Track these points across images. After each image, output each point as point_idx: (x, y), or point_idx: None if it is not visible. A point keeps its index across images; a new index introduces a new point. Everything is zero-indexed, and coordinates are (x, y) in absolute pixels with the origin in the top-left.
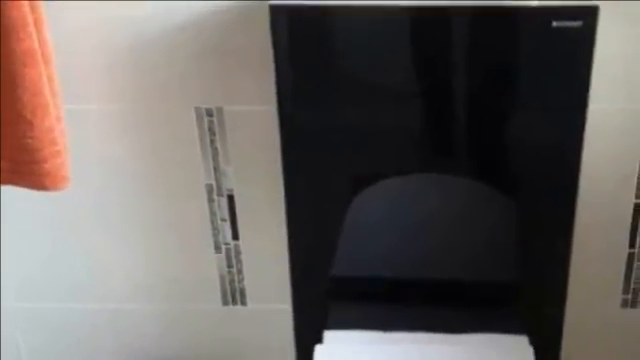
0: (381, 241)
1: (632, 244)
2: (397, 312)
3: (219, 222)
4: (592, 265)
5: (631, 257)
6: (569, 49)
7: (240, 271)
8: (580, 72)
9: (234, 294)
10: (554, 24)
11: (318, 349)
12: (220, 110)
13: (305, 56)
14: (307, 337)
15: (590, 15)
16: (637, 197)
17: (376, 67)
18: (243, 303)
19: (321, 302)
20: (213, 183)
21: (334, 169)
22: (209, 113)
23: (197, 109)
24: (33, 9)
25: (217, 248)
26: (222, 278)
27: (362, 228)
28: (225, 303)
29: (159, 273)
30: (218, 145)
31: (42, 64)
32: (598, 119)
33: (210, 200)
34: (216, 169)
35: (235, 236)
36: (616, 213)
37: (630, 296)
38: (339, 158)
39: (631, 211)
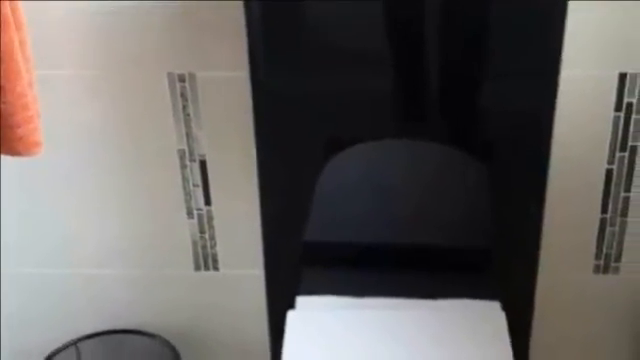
0: (354, 206)
1: (604, 210)
2: (370, 278)
3: (191, 188)
4: (564, 231)
5: (603, 223)
6: (541, 15)
7: (212, 237)
8: (552, 38)
9: (206, 260)
10: None
11: (290, 315)
12: (193, 76)
13: (277, 22)
14: (279, 303)
15: None
16: (609, 163)
17: (348, 33)
18: (215, 268)
19: (293, 267)
20: (185, 149)
21: (306, 134)
22: (181, 79)
23: (169, 75)
24: None
25: (189, 214)
26: (194, 244)
27: (335, 194)
28: (197, 268)
29: (132, 239)
30: (190, 111)
31: (14, 29)
32: (570, 85)
33: (182, 166)
34: (188, 135)
35: (207, 202)
36: (588, 179)
37: (602, 262)
38: (311, 123)
39: (603, 177)
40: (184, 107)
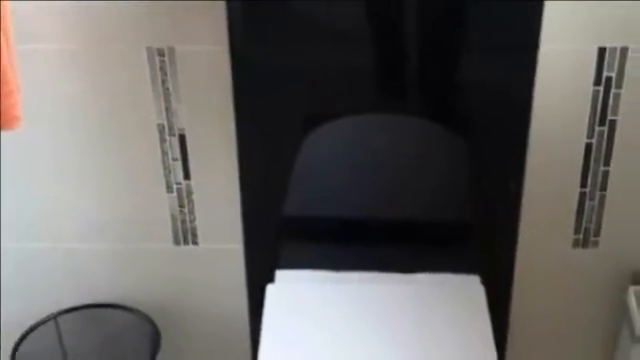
0: (333, 181)
1: (583, 184)
2: (349, 252)
3: (171, 162)
4: (543, 205)
5: (582, 197)
6: None
7: (191, 211)
8: (532, 12)
9: (185, 234)
10: None
11: (270, 288)
12: (172, 50)
13: None
14: (259, 277)
15: None
16: (588, 137)
17: (328, 8)
18: (194, 243)
19: (273, 242)
20: (165, 123)
21: (286, 109)
22: (161, 53)
23: (149, 49)
24: None
25: (169, 188)
26: (173, 218)
27: (314, 168)
28: (176, 243)
29: (111, 213)
30: (170, 85)
31: None
32: (549, 59)
33: (162, 140)
34: (168, 109)
35: (187, 176)
36: (567, 153)
37: (581, 236)
38: (291, 98)
39: (582, 151)
40: (163, 81)
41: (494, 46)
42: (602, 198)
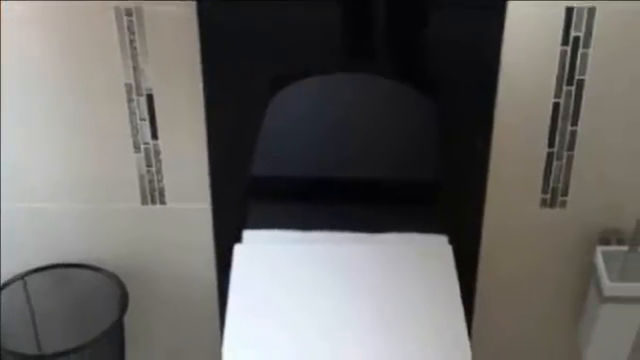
0: (301, 141)
1: (551, 144)
2: (317, 212)
3: (138, 122)
4: (511, 165)
5: (550, 157)
6: None
7: (159, 170)
8: None
9: (153, 193)
10: None
11: (237, 248)
12: (140, 10)
13: None
14: (226, 236)
15: None
16: (556, 97)
17: None
18: (162, 202)
19: (240, 202)
20: (132, 83)
21: (254, 68)
22: (128, 13)
23: (116, 9)
24: None
25: (136, 148)
26: (141, 177)
27: (282, 128)
28: (144, 202)
29: (79, 173)
30: (137, 45)
31: None
32: (517, 19)
33: (129, 100)
34: (135, 69)
35: (154, 135)
36: (535, 113)
37: (549, 196)
38: (259, 58)
39: (550, 111)
40: (131, 41)
41: (462, 5)
42: (570, 158)
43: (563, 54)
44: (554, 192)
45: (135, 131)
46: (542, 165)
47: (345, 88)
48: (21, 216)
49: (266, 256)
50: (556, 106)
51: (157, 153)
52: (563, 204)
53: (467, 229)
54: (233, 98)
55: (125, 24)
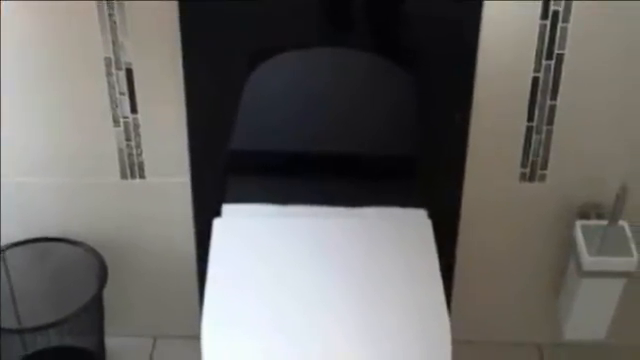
0: (280, 115)
1: (530, 118)
2: (296, 186)
3: (117, 96)
4: (491, 139)
5: (529, 131)
6: None
7: (139, 145)
8: None
9: (132, 168)
10: None
11: (216, 222)
12: None
13: None
14: (205, 210)
15: None
16: (535, 71)
17: None
18: (142, 177)
19: (220, 175)
20: (111, 57)
21: (233, 42)
22: None
23: None
24: None
25: (115, 122)
26: (121, 152)
27: (261, 102)
28: (123, 177)
29: (58, 147)
30: (117, 19)
31: None
32: None
33: (108, 74)
34: (114, 42)
35: (134, 109)
36: (514, 87)
37: (528, 170)
38: (238, 31)
39: (529, 85)
40: (110, 15)
41: None
42: (549, 132)
43: (542, 28)
44: (533, 166)
45: (114, 105)
46: (521, 139)
47: (324, 62)
48: (0, 190)
49: (245, 230)
50: (535, 80)
51: (136, 127)
52: (542, 178)
53: (446, 203)
54: (212, 72)
55: None
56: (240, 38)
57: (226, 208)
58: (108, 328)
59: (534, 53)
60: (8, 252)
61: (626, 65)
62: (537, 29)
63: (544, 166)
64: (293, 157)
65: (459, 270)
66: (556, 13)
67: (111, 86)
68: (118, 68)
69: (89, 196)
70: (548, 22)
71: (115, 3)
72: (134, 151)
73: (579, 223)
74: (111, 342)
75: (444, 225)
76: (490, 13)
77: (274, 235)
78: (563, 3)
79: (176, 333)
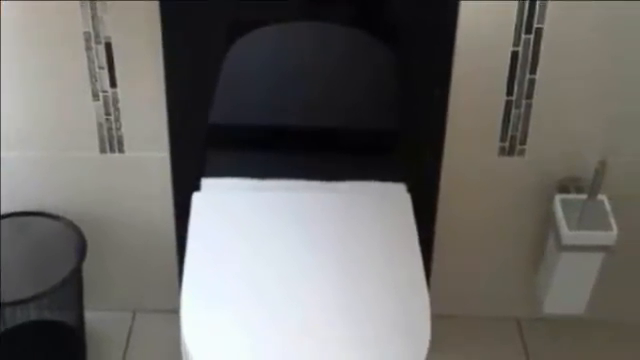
0: (260, 89)
1: (510, 92)
2: (275, 160)
3: (97, 70)
4: (470, 113)
5: (509, 105)
6: None
7: (118, 119)
8: None
9: (112, 142)
10: None
11: (196, 196)
12: None
13: None
14: (185, 185)
15: None
16: (514, 45)
17: None
18: (121, 151)
19: (199, 150)
20: (91, 31)
21: (212, 16)
22: None
23: None
24: None
25: (95, 96)
26: (100, 126)
27: (241, 76)
28: (103, 151)
29: (37, 121)
30: None
31: None
32: None
33: (88, 48)
34: (94, 17)
35: (113, 84)
36: (494, 61)
37: (507, 144)
38: (217, 6)
39: (508, 59)
40: None
41: None
42: (528, 106)
43: (521, 2)
44: (512, 140)
45: (94, 79)
46: (501, 113)
47: (303, 36)
48: None
49: (224, 204)
50: (515, 55)
51: (115, 101)
52: (521, 152)
53: (425, 177)
54: (191, 47)
55: None
56: (220, 12)
57: (205, 182)
58: (87, 302)
59: (513, 27)
60: None
61: (605, 39)
62: (516, 3)
63: (523, 140)
64: (272, 131)
65: (438, 244)
66: None
67: (90, 60)
68: (97, 42)
69: (68, 170)
70: None
71: None
72: (113, 125)
73: (558, 197)
74: (90, 316)
75: (423, 199)
76: None
77: (253, 209)
78: None
79: (155, 307)
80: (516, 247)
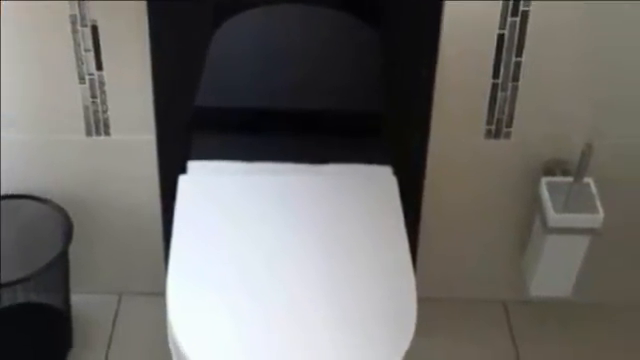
0: (246, 71)
1: (496, 75)
2: (261, 143)
3: (83, 53)
4: (456, 96)
5: (495, 88)
6: None
7: (104, 102)
8: None
9: (98, 125)
10: None
11: (182, 179)
12: None
13: None
14: (171, 167)
15: None
16: (500, 27)
17: None
18: (107, 134)
19: (185, 132)
20: (77, 14)
21: None
22: None
23: None
24: None
25: (81, 79)
26: (86, 109)
27: (226, 59)
28: (89, 134)
29: (23, 104)
30: None
31: None
32: None
33: (74, 31)
34: (80, 0)
35: (99, 67)
36: (480, 44)
37: (494, 127)
38: None
39: (495, 41)
40: None
41: None
42: (514, 89)
43: None
44: (499, 123)
45: (80, 62)
46: (487, 96)
47: (290, 18)
48: None
49: (211, 187)
50: (501, 37)
51: (102, 84)
52: (508, 135)
53: (411, 160)
54: (178, 29)
55: None
56: None
57: (191, 165)
58: (73, 285)
59: (499, 10)
60: None
61: (591, 22)
62: None
63: (509, 123)
64: (259, 114)
65: (424, 227)
66: None
67: (76, 43)
68: (83, 25)
69: (54, 153)
70: None
71: None
72: (99, 108)
73: (544, 180)
74: (76, 299)
75: (409, 182)
76: None
77: (240, 192)
78: None
79: (141, 290)
80: (502, 230)
